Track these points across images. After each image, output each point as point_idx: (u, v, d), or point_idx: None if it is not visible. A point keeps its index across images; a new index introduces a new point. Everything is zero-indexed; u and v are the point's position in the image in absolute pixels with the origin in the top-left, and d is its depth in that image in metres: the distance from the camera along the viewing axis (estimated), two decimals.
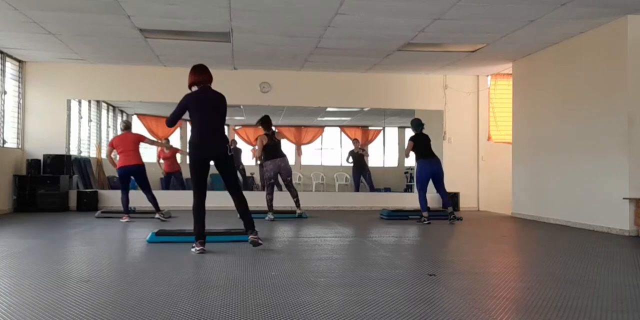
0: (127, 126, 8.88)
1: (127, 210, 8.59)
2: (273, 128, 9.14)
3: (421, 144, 8.78)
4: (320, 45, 9.08)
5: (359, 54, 9.76)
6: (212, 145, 5.50)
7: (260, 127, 9.10)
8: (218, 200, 7.91)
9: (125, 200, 8.55)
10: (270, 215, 8.92)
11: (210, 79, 5.68)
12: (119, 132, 9.09)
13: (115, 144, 8.66)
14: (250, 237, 5.57)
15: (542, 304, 3.43)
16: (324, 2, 6.89)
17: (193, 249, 5.39)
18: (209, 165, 5.60)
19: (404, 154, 9.04)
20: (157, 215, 8.58)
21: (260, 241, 5.57)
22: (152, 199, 8.59)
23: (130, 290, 3.84)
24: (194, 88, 5.65)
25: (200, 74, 5.64)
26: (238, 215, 5.78)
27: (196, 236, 5.45)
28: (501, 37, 8.52)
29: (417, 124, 8.94)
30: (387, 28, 8.04)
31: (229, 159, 5.61)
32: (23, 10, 7.32)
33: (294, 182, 9.56)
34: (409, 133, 9.17)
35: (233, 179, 5.68)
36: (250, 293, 3.71)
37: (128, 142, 8.55)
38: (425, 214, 8.71)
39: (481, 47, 9.20)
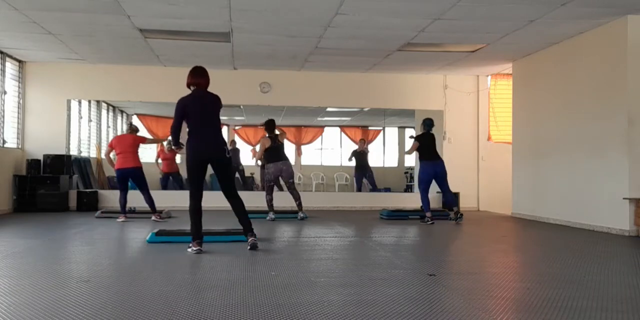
0: (132, 130, 8.88)
1: (125, 211, 8.61)
2: (277, 131, 9.12)
3: (426, 145, 8.78)
4: (320, 45, 9.07)
5: (359, 54, 9.76)
6: (209, 147, 5.48)
7: (265, 130, 9.11)
8: (217, 200, 7.85)
9: (123, 201, 8.57)
10: (271, 215, 8.91)
11: (206, 82, 5.63)
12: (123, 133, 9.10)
13: (113, 144, 8.68)
14: (249, 239, 5.55)
15: (542, 304, 3.43)
16: (324, 2, 6.88)
17: (190, 249, 5.38)
18: (206, 167, 5.56)
19: (405, 152, 9.04)
20: (153, 217, 8.58)
21: (257, 244, 5.57)
22: (149, 200, 8.58)
23: (130, 290, 3.84)
24: (192, 87, 5.65)
25: (197, 77, 5.60)
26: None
27: (193, 236, 5.44)
28: (501, 37, 8.52)
29: (428, 124, 8.92)
30: (387, 28, 8.03)
31: (227, 161, 5.56)
32: (23, 10, 7.32)
33: (294, 182, 9.54)
34: (410, 133, 9.17)
35: (230, 184, 5.61)
36: (250, 293, 3.71)
37: (126, 143, 8.55)
38: (428, 214, 8.72)
39: (481, 47, 9.20)
